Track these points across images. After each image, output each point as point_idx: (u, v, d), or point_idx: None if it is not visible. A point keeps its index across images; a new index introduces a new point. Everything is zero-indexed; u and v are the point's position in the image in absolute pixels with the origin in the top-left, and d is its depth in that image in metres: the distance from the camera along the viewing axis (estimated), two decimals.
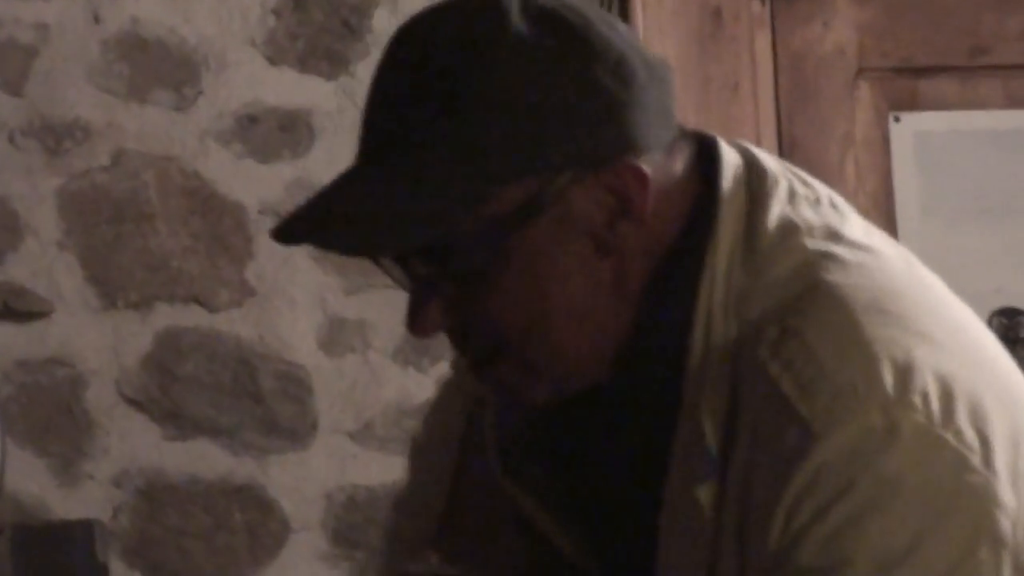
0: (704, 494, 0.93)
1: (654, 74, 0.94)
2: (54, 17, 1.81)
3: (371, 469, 1.83)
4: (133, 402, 1.80)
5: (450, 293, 0.93)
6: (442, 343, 1.95)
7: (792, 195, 0.96)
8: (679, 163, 0.94)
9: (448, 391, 1.17)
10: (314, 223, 0.95)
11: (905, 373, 0.89)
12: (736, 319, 0.93)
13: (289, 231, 0.94)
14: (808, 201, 0.96)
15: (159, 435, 1.80)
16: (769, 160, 0.97)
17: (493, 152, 0.92)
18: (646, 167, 0.91)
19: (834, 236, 0.95)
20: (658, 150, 0.93)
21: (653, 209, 0.92)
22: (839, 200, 0.96)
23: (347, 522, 1.78)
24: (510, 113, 0.92)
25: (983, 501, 0.90)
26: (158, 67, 1.79)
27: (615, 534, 1.02)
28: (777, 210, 0.95)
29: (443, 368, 1.82)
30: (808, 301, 0.92)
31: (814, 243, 0.94)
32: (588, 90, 0.92)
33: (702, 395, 0.93)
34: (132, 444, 1.80)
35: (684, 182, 0.95)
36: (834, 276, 0.92)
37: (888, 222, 1.71)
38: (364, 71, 1.82)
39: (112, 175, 1.79)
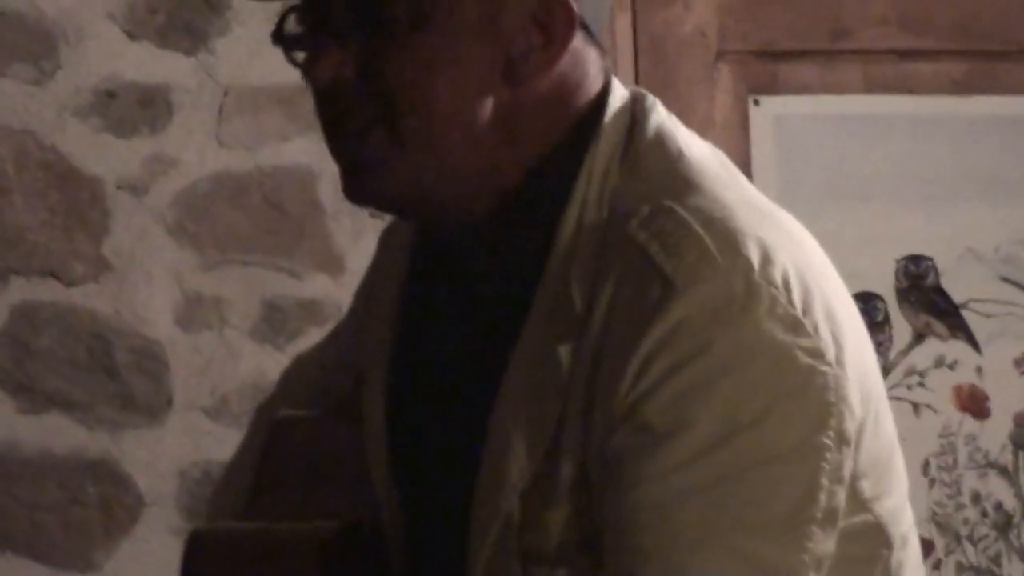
0: (563, 350, 0.93)
1: None
2: None
3: (226, 445, 1.81)
4: None
5: (356, 49, 0.93)
6: (296, 319, 1.94)
7: (669, 115, 0.98)
8: (593, 59, 0.97)
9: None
10: None
11: (770, 253, 0.89)
12: (607, 207, 0.94)
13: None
14: (680, 132, 0.98)
15: (12, 408, 1.80)
16: (658, 102, 0.99)
17: None
18: (575, 9, 0.93)
19: (701, 160, 0.97)
20: (587, 23, 0.95)
21: (561, 73, 0.95)
22: (710, 145, 1.00)
23: (201, 498, 1.77)
24: None
25: (833, 394, 0.90)
26: (15, 40, 1.77)
27: (441, 414, 1.01)
28: (656, 123, 0.97)
29: (300, 345, 1.83)
30: (682, 190, 0.93)
31: (689, 151, 0.96)
32: None
33: (571, 265, 0.94)
34: None
35: (589, 79, 0.97)
36: (706, 177, 0.94)
37: None
38: (224, 47, 1.81)
39: None
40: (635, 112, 0.98)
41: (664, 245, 0.91)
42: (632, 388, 0.90)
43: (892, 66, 1.80)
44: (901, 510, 0.99)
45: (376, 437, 1.04)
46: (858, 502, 0.95)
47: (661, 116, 0.98)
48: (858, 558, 0.97)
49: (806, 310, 0.90)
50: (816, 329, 0.90)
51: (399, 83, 0.92)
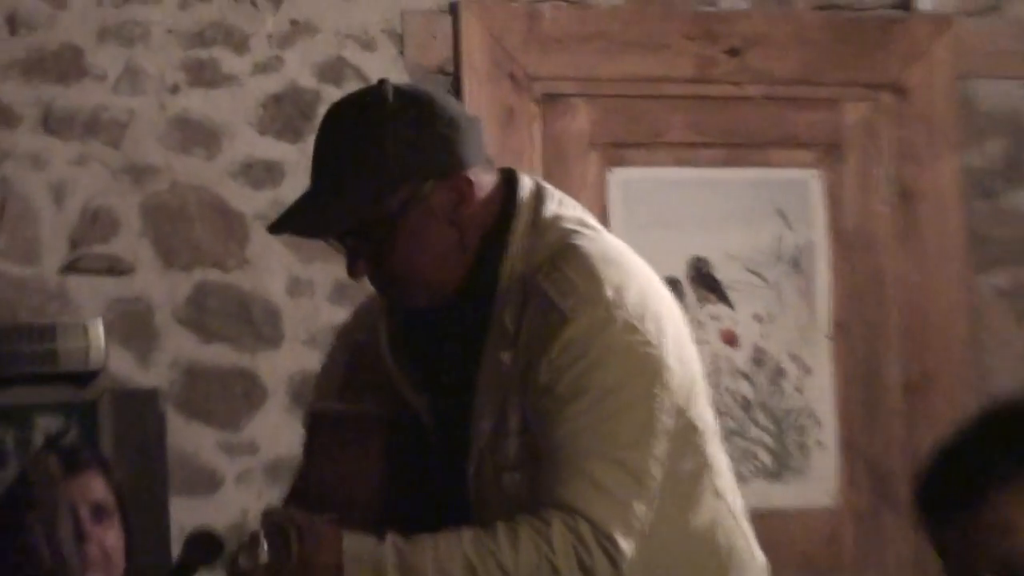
0: (505, 356, 1.56)
1: (471, 124, 1.61)
2: None
3: (315, 363, 2.53)
4: None
5: (367, 254, 1.57)
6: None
7: (559, 202, 1.63)
8: (492, 178, 1.59)
9: (344, 327, 1.90)
10: (291, 221, 1.64)
11: (619, 291, 1.53)
12: (525, 265, 1.56)
13: (276, 226, 1.64)
14: (567, 206, 1.63)
15: (195, 341, 2.89)
16: (549, 185, 1.67)
17: (383, 174, 1.53)
18: (472, 176, 1.56)
19: (580, 223, 1.61)
20: (478, 166, 1.57)
21: (479, 200, 1.55)
22: (582, 208, 1.69)
23: (301, 393, 2.79)
24: (390, 151, 1.54)
25: (658, 364, 1.55)
26: (195, 134, 2.90)
27: (450, 396, 1.65)
28: (551, 208, 1.60)
29: None
30: (566, 253, 1.56)
31: (570, 225, 1.59)
32: (433, 135, 1.54)
33: (507, 304, 1.56)
34: None
35: (496, 189, 1.58)
36: (580, 241, 1.57)
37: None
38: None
39: None
40: (537, 198, 1.61)
41: (558, 291, 1.54)
42: (547, 375, 1.53)
43: (686, 151, 3.15)
44: (704, 412, 1.68)
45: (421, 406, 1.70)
46: (680, 413, 1.60)
47: (555, 199, 1.62)
48: (681, 442, 1.63)
49: (641, 320, 1.55)
50: (648, 331, 1.55)
51: (397, 270, 1.59)
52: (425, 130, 1.63)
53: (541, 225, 1.66)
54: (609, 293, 1.59)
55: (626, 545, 1.62)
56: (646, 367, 1.63)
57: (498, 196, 1.66)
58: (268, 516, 1.67)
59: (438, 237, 1.65)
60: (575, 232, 1.66)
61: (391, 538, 1.63)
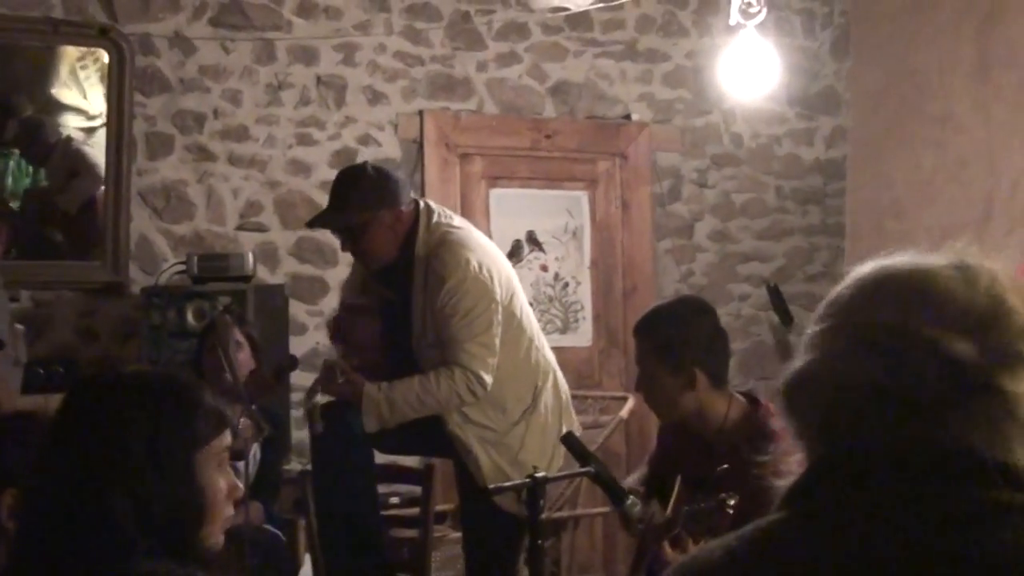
0: (421, 300, 3.49)
1: (405, 183, 3.54)
2: None
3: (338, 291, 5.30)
4: None
5: (350, 242, 3.49)
6: None
7: (439, 214, 3.47)
8: (411, 206, 3.45)
9: (355, 264, 3.92)
10: (316, 220, 3.67)
11: (469, 261, 3.43)
12: (425, 249, 3.44)
13: (310, 223, 3.72)
14: (444, 215, 3.48)
15: (301, 311, 6.10)
16: (436, 205, 3.54)
17: (361, 205, 3.40)
18: (403, 208, 3.45)
19: (450, 225, 3.46)
20: (406, 203, 3.45)
21: (405, 219, 3.44)
22: (456, 215, 3.58)
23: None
24: (367, 194, 3.40)
25: (492, 294, 3.49)
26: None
27: (401, 298, 3.58)
28: (435, 219, 3.47)
29: None
30: (445, 241, 3.43)
31: (448, 226, 3.44)
32: (387, 188, 3.42)
33: (418, 269, 3.45)
34: None
35: (411, 211, 3.46)
36: (449, 237, 3.45)
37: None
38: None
39: None
40: (428, 214, 3.43)
41: (441, 268, 3.39)
42: (440, 303, 3.40)
43: (526, 182, 6.52)
44: (521, 306, 3.56)
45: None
46: (506, 310, 3.49)
47: (437, 212, 3.41)
48: (508, 321, 3.51)
49: (482, 273, 3.39)
50: (486, 279, 3.40)
51: (364, 248, 3.45)
52: (383, 184, 3.35)
53: (432, 228, 3.37)
54: (461, 265, 3.27)
55: (488, 378, 3.35)
56: (485, 296, 3.33)
57: (413, 214, 3.30)
58: (327, 362, 3.39)
59: (384, 237, 3.45)
60: (447, 231, 3.32)
61: (381, 384, 3.33)
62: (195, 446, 1.63)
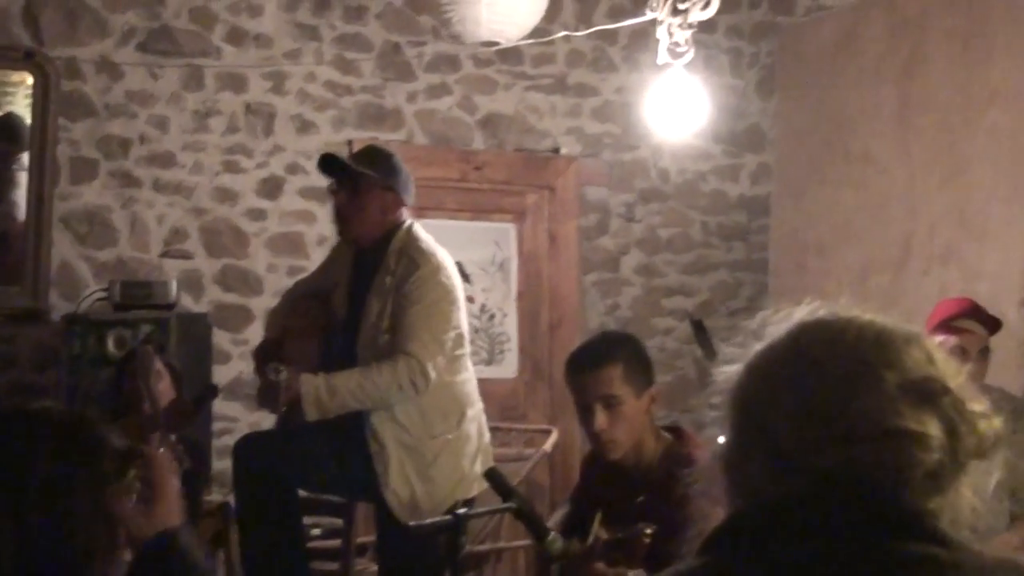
0: (388, 280, 3.71)
1: (411, 183, 3.85)
2: None
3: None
4: None
5: (343, 200, 3.76)
6: None
7: (416, 227, 3.80)
8: (405, 212, 3.77)
9: (304, 279, 4.57)
10: (337, 159, 3.86)
11: (438, 262, 3.74)
12: (401, 244, 3.73)
13: (327, 157, 3.85)
14: (419, 228, 3.77)
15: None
16: (416, 222, 3.81)
17: (377, 171, 3.71)
18: (402, 201, 3.80)
19: (420, 234, 3.76)
20: (407, 203, 3.79)
21: (396, 212, 3.76)
22: (423, 229, 3.82)
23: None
24: (387, 171, 3.76)
25: (453, 294, 3.75)
26: None
27: (358, 295, 3.78)
28: (414, 230, 3.79)
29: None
30: (420, 242, 3.75)
31: (419, 233, 3.77)
32: (404, 180, 3.79)
33: (390, 258, 3.70)
34: None
35: (399, 212, 3.76)
36: (422, 243, 3.76)
37: None
38: None
39: None
40: (413, 224, 3.77)
41: (416, 257, 3.71)
42: (407, 290, 3.62)
43: (455, 213, 6.53)
44: (463, 324, 3.75)
45: (343, 302, 3.91)
46: (456, 319, 3.74)
47: (416, 226, 3.74)
48: (456, 344, 3.75)
49: (445, 274, 3.70)
50: (449, 278, 3.69)
51: (349, 209, 3.73)
52: (401, 173, 3.72)
53: (411, 231, 3.76)
54: (433, 261, 3.57)
55: (432, 373, 3.50)
56: (449, 295, 3.64)
57: (401, 218, 3.68)
58: (271, 364, 3.67)
59: (374, 210, 3.70)
60: (419, 239, 3.69)
61: (321, 374, 3.51)
62: (100, 485, 1.61)
